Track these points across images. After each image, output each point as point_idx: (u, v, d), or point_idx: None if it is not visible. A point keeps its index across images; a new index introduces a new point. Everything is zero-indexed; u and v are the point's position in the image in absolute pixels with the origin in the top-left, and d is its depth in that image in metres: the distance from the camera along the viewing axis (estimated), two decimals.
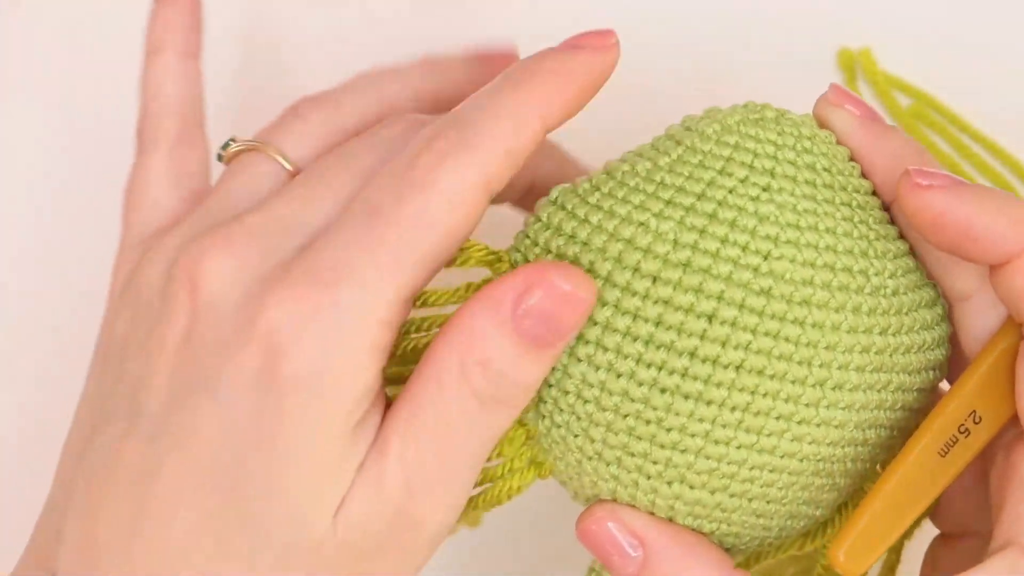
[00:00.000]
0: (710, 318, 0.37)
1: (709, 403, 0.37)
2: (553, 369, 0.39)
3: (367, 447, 0.38)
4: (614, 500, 0.40)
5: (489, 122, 0.38)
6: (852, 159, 0.41)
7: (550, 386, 0.39)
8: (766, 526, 0.40)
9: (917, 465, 0.39)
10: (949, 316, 0.41)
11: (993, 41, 0.60)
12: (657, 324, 0.37)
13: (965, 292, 0.41)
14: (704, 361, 0.37)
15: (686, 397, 0.37)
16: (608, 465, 0.39)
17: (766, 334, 0.37)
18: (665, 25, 0.61)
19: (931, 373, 0.41)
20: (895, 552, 0.44)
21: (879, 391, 0.39)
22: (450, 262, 0.40)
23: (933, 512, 0.44)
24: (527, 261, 0.40)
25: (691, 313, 0.37)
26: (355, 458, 0.38)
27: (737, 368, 0.37)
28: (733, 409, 0.37)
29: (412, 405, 0.38)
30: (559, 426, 0.39)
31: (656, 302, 0.37)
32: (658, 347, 0.37)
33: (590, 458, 0.39)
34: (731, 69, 0.60)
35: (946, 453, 0.39)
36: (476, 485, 0.41)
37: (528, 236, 0.40)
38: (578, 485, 0.40)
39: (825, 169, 0.40)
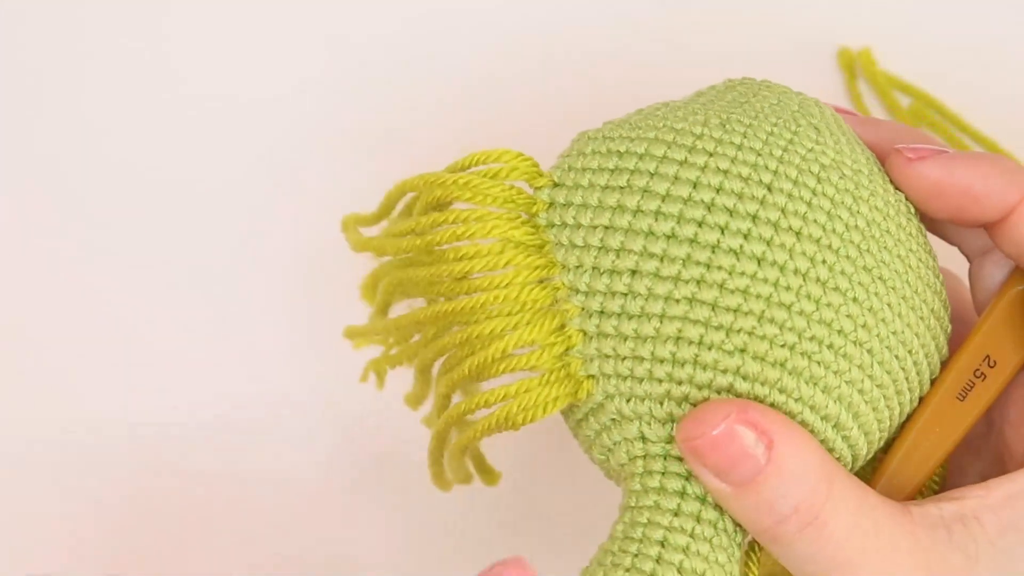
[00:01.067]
0: (768, 188, 0.39)
1: (772, 264, 0.38)
2: (607, 252, 0.39)
3: None
4: (666, 396, 0.38)
5: None
6: None
7: (603, 273, 0.39)
8: (809, 421, 0.39)
9: (937, 410, 0.41)
10: (969, 272, 0.43)
11: (993, 41, 0.61)
12: (718, 191, 0.38)
13: (986, 245, 0.43)
14: (767, 224, 0.38)
15: (751, 258, 0.38)
16: (666, 342, 0.38)
17: (820, 208, 0.39)
18: (665, 25, 0.61)
19: (942, 334, 0.41)
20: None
21: (912, 309, 0.40)
22: (495, 173, 0.41)
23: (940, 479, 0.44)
24: (572, 169, 0.41)
25: (750, 182, 0.39)
26: None
27: (797, 234, 0.38)
28: (795, 272, 0.38)
29: None
30: (612, 315, 0.39)
31: (716, 172, 0.39)
32: (721, 210, 0.38)
33: (647, 340, 0.38)
34: (731, 69, 0.60)
35: (964, 397, 0.41)
36: (510, 396, 0.39)
37: (571, 153, 0.41)
38: (626, 388, 0.39)
39: (842, 122, 0.42)
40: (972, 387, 0.41)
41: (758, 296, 0.38)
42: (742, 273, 0.38)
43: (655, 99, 0.58)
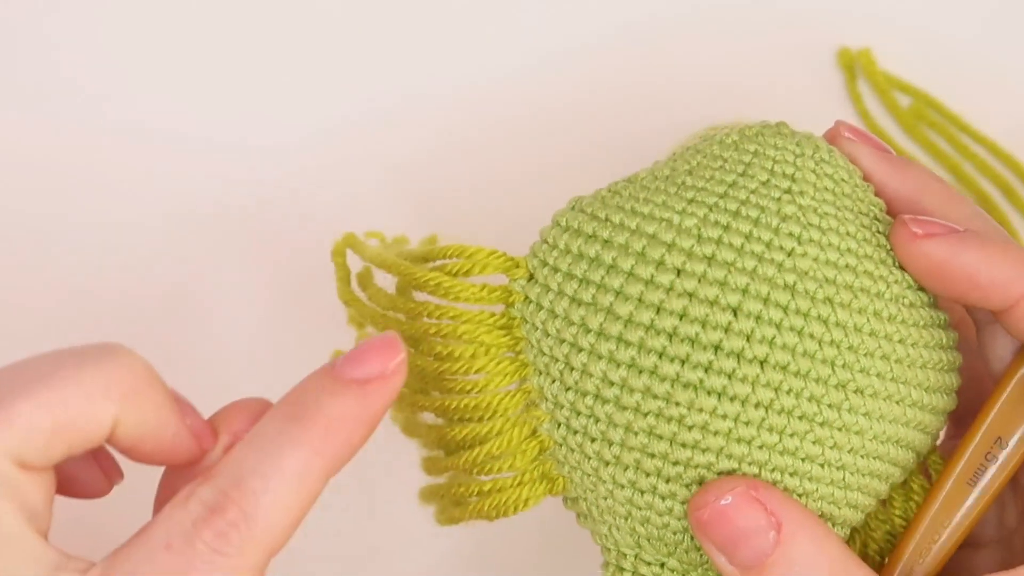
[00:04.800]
0: (735, 311, 0.37)
1: (733, 399, 0.37)
2: (571, 370, 0.38)
3: None
4: (628, 516, 0.39)
5: (269, 496, 0.34)
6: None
7: (567, 389, 0.38)
8: None
9: (949, 498, 0.40)
10: (978, 339, 0.41)
11: (993, 42, 0.60)
12: (681, 317, 0.37)
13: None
14: (729, 355, 0.37)
15: (709, 393, 0.37)
16: (626, 470, 0.38)
17: (791, 329, 0.37)
18: (665, 26, 0.61)
19: (945, 396, 0.40)
20: None
21: (898, 403, 0.38)
22: (467, 271, 0.40)
23: None
24: (545, 265, 0.39)
25: (716, 306, 0.37)
26: None
27: (762, 363, 0.37)
28: (757, 406, 0.37)
29: None
30: (576, 432, 0.38)
31: (680, 295, 0.37)
32: (682, 341, 0.37)
33: (607, 463, 0.38)
34: (732, 69, 0.60)
35: (975, 483, 0.40)
36: (483, 494, 0.40)
37: (547, 241, 0.40)
38: (593, 498, 0.39)
39: (844, 180, 0.40)
40: (984, 471, 0.40)
41: (716, 433, 0.37)
42: (700, 409, 0.37)
43: (652, 100, 0.59)
